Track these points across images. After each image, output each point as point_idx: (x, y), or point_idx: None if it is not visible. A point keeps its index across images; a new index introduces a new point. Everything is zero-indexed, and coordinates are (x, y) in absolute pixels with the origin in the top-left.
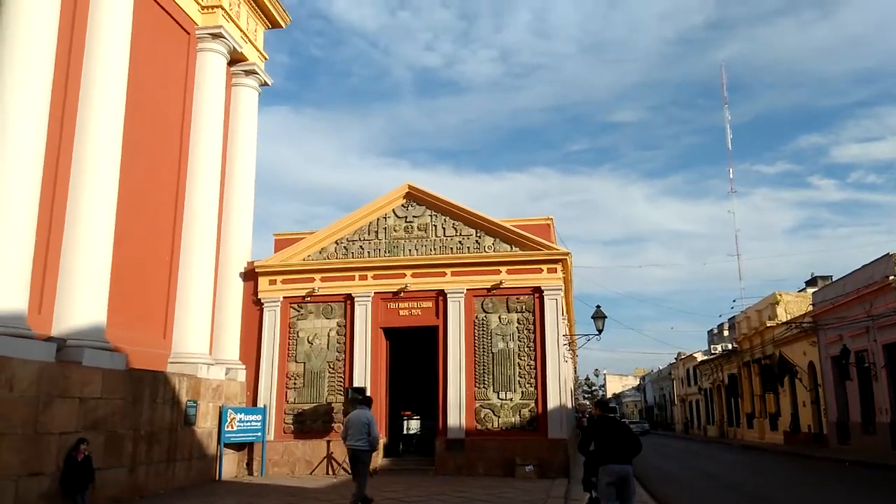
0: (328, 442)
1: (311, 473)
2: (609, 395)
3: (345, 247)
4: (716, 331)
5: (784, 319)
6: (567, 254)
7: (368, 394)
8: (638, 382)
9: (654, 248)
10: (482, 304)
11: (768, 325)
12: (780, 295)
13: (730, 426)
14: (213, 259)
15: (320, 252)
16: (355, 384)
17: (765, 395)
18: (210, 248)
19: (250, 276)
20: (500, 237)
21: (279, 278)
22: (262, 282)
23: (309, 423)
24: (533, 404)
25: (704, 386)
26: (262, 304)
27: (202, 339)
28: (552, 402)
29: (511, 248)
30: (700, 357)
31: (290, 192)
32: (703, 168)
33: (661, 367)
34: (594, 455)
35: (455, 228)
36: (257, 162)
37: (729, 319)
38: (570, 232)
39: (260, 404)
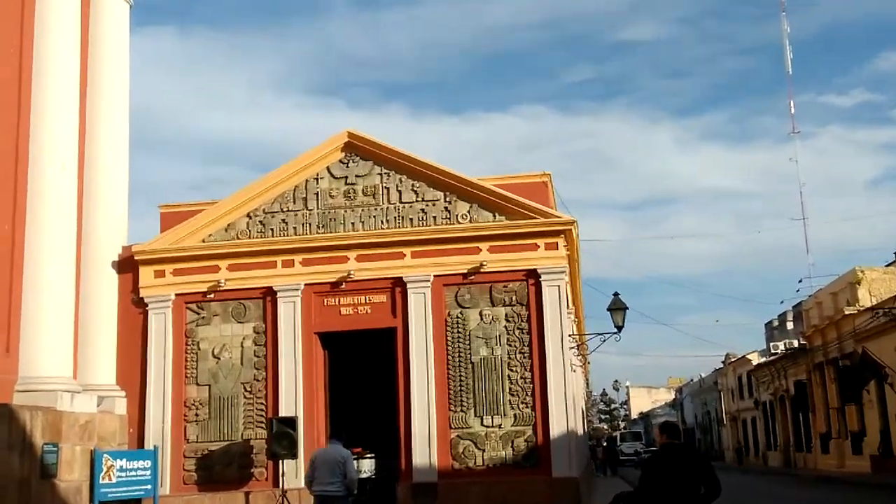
0: (247, 494)
1: None
2: (634, 413)
3: (261, 221)
4: (776, 323)
5: (868, 304)
6: (572, 222)
7: (301, 425)
8: (673, 396)
9: (689, 212)
10: (456, 296)
11: (847, 312)
12: (863, 272)
13: (798, 451)
14: (74, 244)
15: (226, 229)
16: (282, 413)
17: (844, 408)
18: (68, 230)
19: (127, 265)
20: (479, 202)
21: (169, 268)
22: (145, 273)
23: (219, 470)
24: (530, 431)
25: (763, 398)
26: (147, 304)
27: (62, 358)
28: (557, 428)
29: (494, 216)
30: (756, 359)
31: (180, 147)
32: (752, 101)
33: (702, 375)
34: (652, 496)
35: (415, 191)
36: (132, 106)
37: (794, 307)
38: (573, 193)
39: (148, 445)
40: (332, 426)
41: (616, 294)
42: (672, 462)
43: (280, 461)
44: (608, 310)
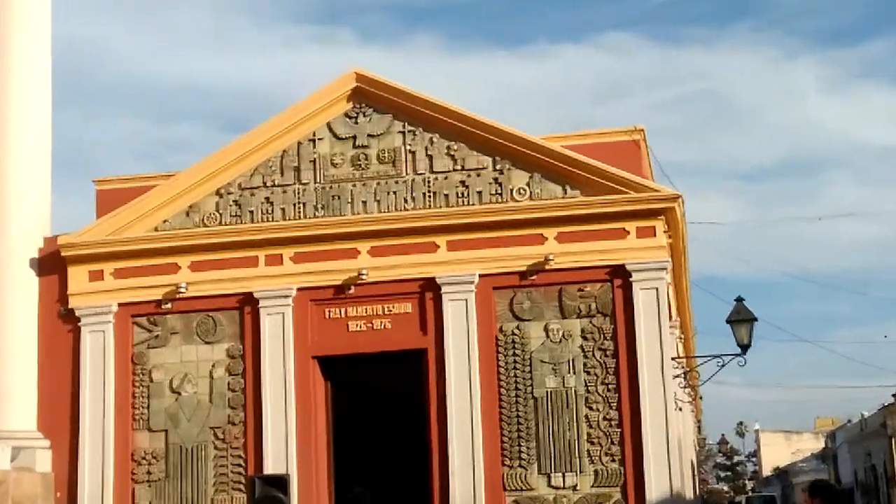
0: None
1: None
2: (766, 469)
3: (236, 200)
4: None
5: None
6: (675, 198)
7: (294, 485)
8: (823, 445)
9: (843, 182)
10: (511, 304)
11: None
12: None
13: None
14: None
15: (188, 213)
16: (268, 469)
17: None
18: None
19: (51, 264)
20: (543, 170)
21: (109, 267)
22: (76, 275)
23: None
24: (618, 495)
25: None
26: (79, 318)
27: None
28: (656, 490)
29: (564, 190)
30: None
31: (125, 98)
32: None
33: (865, 415)
34: None
35: (452, 156)
36: (56, 45)
37: None
38: (675, 157)
39: None
40: (339, 487)
41: (739, 300)
42: None
43: None
44: (728, 322)
